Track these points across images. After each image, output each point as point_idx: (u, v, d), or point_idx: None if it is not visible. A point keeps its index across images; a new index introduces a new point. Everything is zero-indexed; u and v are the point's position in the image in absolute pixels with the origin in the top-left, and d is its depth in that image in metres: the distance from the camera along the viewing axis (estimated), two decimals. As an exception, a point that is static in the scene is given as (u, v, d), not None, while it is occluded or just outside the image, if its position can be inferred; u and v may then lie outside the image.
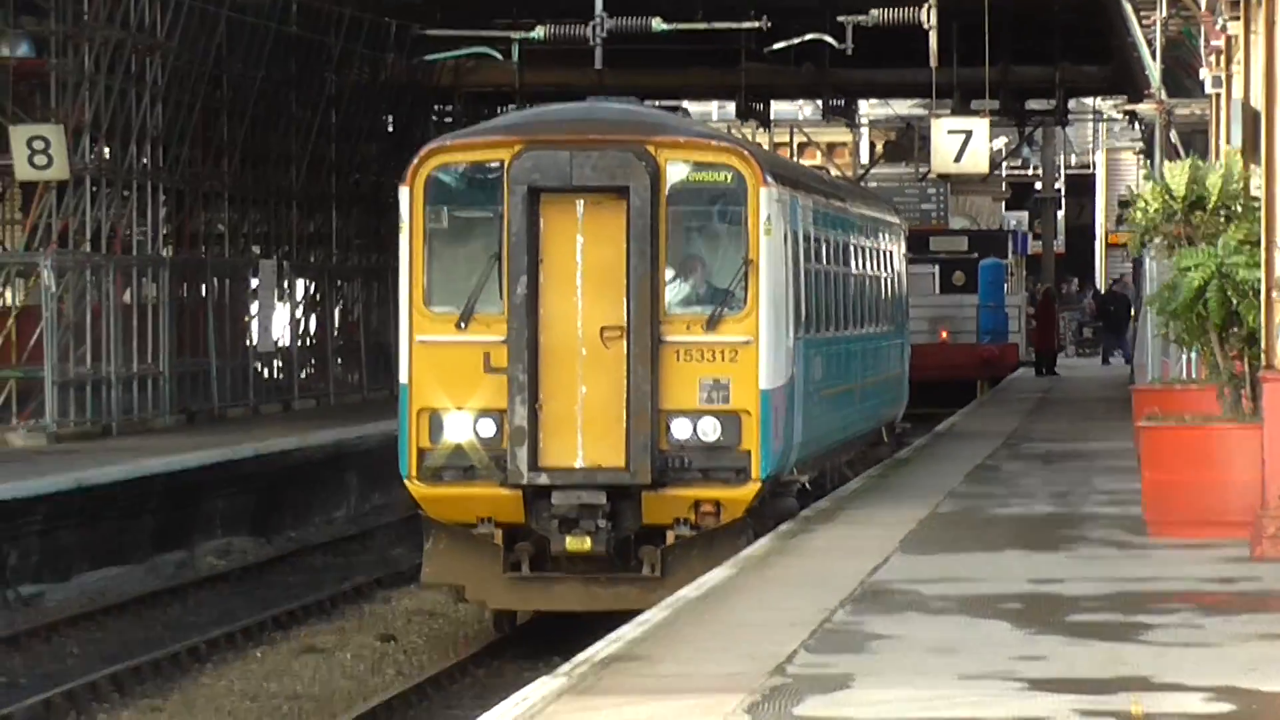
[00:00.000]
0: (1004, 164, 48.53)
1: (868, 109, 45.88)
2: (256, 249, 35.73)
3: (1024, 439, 26.62)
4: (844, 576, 12.87)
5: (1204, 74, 20.86)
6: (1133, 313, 35.12)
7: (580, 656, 9.80)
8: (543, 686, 9.00)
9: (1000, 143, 44.38)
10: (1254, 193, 13.92)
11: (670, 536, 14.37)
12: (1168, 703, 8.11)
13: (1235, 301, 13.59)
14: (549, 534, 14.35)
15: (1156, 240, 15.66)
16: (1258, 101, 13.79)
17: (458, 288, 14.64)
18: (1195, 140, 23.61)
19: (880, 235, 23.66)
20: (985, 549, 14.78)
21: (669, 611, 11.47)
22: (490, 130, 15.99)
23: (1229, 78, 18.68)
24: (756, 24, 28.82)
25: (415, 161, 14.65)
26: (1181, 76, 24.57)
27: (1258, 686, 8.49)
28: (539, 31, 27.57)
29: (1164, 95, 24.20)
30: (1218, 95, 19.86)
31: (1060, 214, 49.40)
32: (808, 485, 17.84)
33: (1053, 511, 17.63)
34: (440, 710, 14.43)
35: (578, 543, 14.14)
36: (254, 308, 34.97)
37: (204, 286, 33.30)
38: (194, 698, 15.75)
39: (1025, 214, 49.84)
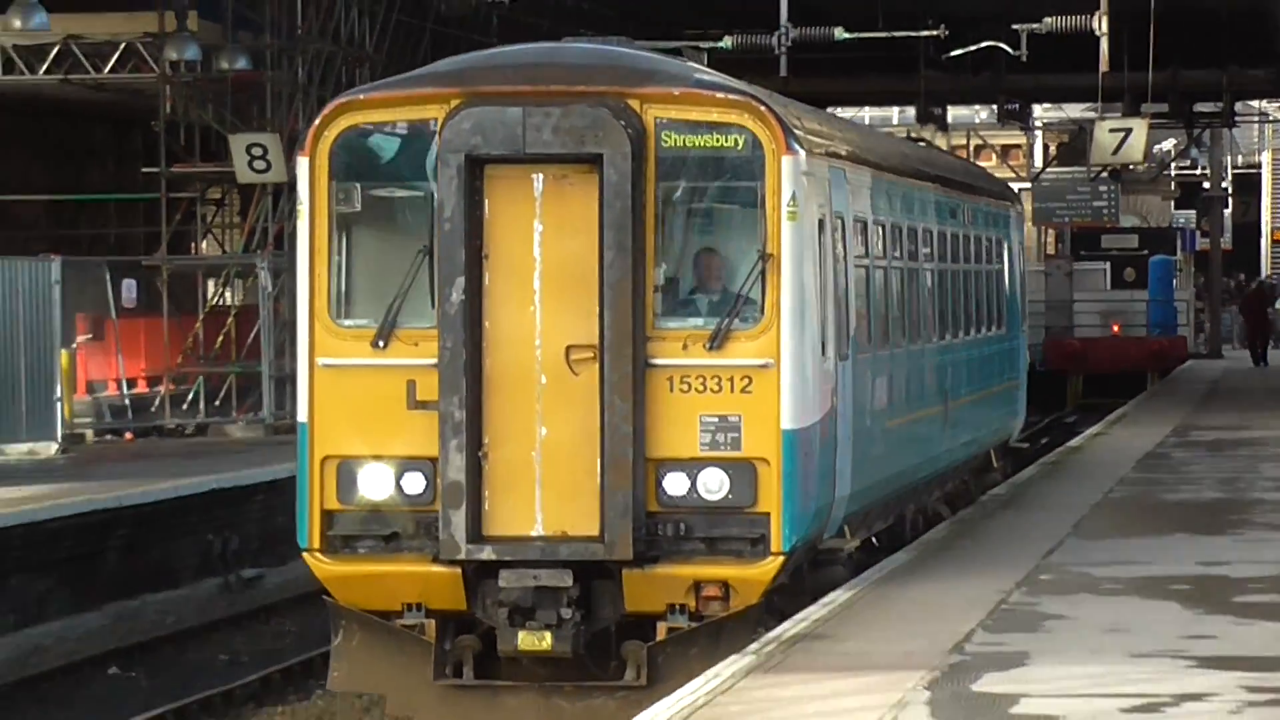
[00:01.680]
0: (1173, 164, 50.88)
1: (1041, 112, 47.28)
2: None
3: (1192, 427, 26.51)
4: (1020, 559, 13.11)
5: None
6: None
7: (769, 635, 10.07)
8: (732, 664, 9.15)
9: (1169, 144, 47.94)
10: None
11: (662, 629, 10.37)
12: None
13: None
14: (497, 627, 10.27)
15: None
16: None
17: (375, 294, 10.60)
18: None
19: (986, 221, 18.68)
20: (1155, 533, 14.93)
21: (852, 592, 11.65)
22: (420, 79, 11.26)
23: None
24: (935, 32, 28.87)
25: (317, 122, 10.60)
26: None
27: None
28: (727, 41, 27.84)
29: None
30: None
31: (1227, 212, 49.99)
32: (875, 540, 13.93)
33: (1220, 497, 17.69)
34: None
35: (534, 640, 10.10)
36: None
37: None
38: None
39: (1193, 212, 51.30)
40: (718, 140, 10.46)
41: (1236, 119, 41.92)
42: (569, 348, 10.21)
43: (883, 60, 33.31)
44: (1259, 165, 52.35)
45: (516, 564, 10.16)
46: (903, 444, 14.38)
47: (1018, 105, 41.21)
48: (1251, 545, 14.16)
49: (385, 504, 10.39)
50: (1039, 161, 50.59)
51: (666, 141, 10.39)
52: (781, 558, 10.37)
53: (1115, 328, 38.85)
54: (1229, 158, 51.56)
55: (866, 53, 30.94)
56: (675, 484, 10.29)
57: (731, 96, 10.69)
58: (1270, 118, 46.10)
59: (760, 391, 10.32)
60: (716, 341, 10.31)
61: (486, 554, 10.12)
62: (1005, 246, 19.91)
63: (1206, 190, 50.28)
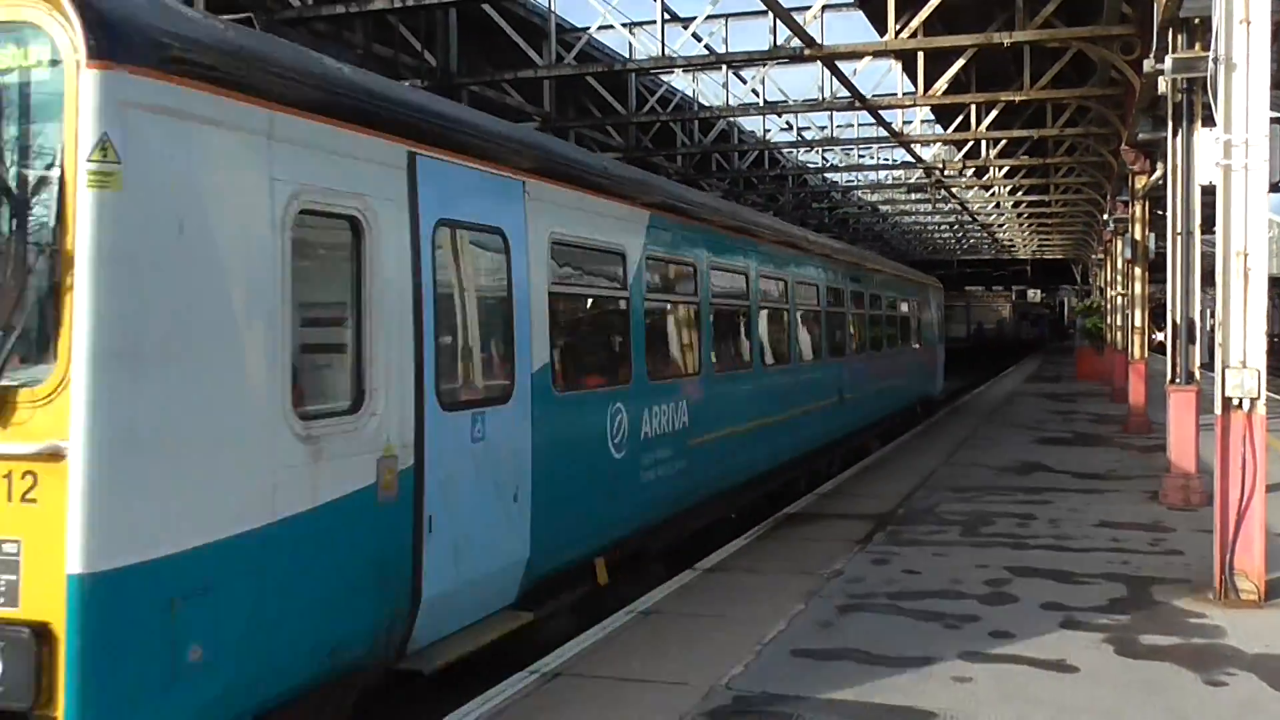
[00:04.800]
0: (1044, 298, 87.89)
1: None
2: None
3: (1048, 358, 53.59)
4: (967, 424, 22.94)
5: (1091, 281, 43.94)
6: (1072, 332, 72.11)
7: (816, 491, 13.56)
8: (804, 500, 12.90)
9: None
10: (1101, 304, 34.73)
11: None
12: (1083, 414, 22.30)
13: (1096, 330, 34.36)
14: None
15: (1080, 314, 38.83)
16: (1103, 284, 33.83)
17: None
18: (1091, 293, 44.28)
19: (909, 291, 21.85)
20: (1040, 381, 34.86)
21: (860, 468, 15.64)
22: None
23: (1097, 282, 39.83)
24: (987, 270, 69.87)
25: None
26: (1091, 281, 46.27)
27: (1104, 413, 22.18)
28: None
29: (1082, 284, 56.45)
30: (1098, 288, 38.29)
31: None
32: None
33: (1054, 374, 38.83)
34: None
35: None
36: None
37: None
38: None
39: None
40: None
41: (1059, 293, 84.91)
42: None
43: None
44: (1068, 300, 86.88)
45: None
46: (760, 440, 11.73)
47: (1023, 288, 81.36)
48: (1061, 384, 33.05)
49: None
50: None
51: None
52: None
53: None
54: (1066, 301, 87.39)
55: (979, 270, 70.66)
56: None
57: None
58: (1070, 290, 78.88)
59: (47, 500, 4.24)
60: None
61: None
62: (927, 305, 24.62)
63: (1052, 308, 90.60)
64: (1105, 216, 26.23)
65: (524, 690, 6.20)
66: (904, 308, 21.45)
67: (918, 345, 23.20)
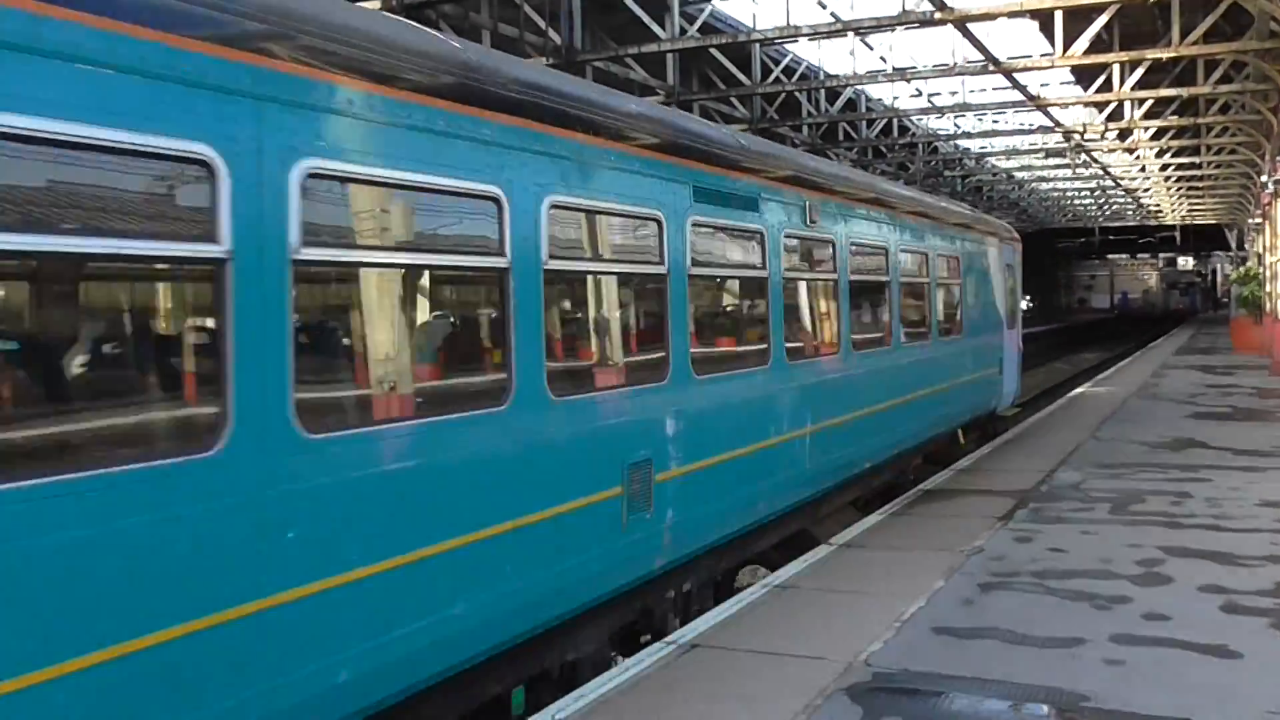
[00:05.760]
0: (1194, 266, 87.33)
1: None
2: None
3: (1200, 329, 52.17)
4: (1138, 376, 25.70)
5: (1248, 247, 44.40)
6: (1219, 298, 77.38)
7: (953, 467, 13.35)
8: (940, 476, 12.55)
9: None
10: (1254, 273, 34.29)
11: None
12: (1241, 387, 21.00)
13: (1254, 298, 32.41)
14: None
15: (1236, 282, 38.67)
16: (1262, 249, 31.79)
17: None
18: (1249, 259, 44.22)
19: (962, 240, 14.28)
20: (1192, 353, 33.48)
21: (999, 443, 15.26)
22: None
23: (1255, 247, 39.60)
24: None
25: None
26: (1248, 246, 47.27)
27: (1265, 386, 20.89)
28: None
29: (1237, 250, 52.94)
30: (1255, 254, 38.12)
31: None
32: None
33: (1207, 345, 36.83)
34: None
35: None
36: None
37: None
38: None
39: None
40: None
41: (1210, 260, 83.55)
42: None
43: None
44: (1220, 268, 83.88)
45: None
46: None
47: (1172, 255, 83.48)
48: (1218, 356, 31.41)
49: None
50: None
51: None
52: None
53: (1179, 305, 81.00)
54: (1217, 266, 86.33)
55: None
56: None
57: None
58: (1223, 257, 77.32)
59: None
60: None
61: None
62: (981, 266, 15.51)
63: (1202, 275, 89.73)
64: (1264, 178, 25.01)
65: (662, 661, 6.23)
66: (925, 269, 12.85)
67: (958, 335, 14.17)
